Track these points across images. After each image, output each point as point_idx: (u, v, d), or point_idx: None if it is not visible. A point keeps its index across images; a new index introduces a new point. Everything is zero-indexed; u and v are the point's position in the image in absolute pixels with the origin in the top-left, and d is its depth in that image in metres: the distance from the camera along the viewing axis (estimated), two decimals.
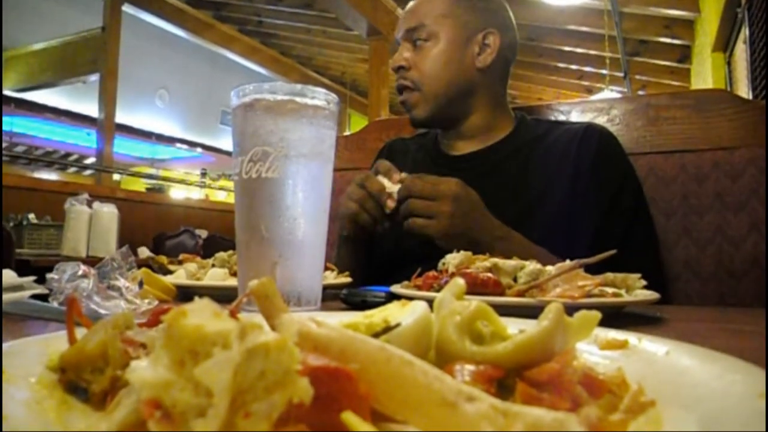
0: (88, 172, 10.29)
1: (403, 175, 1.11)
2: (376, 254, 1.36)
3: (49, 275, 0.72)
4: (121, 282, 0.75)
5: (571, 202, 1.18)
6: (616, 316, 0.72)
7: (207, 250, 4.52)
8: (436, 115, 1.30)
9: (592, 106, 1.50)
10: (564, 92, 8.89)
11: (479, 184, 1.21)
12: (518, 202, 1.21)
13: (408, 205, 1.04)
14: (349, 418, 0.22)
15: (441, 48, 1.26)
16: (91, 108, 7.49)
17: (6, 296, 0.59)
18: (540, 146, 1.27)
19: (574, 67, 7.66)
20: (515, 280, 0.77)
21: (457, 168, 1.31)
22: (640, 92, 7.65)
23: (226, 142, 10.79)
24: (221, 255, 1.07)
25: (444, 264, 0.84)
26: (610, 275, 0.77)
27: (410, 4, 1.34)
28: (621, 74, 7.03)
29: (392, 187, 1.10)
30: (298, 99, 0.74)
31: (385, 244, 1.34)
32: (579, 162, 1.21)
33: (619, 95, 7.26)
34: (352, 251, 1.28)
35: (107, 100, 6.68)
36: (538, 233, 1.09)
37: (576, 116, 1.50)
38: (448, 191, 1.03)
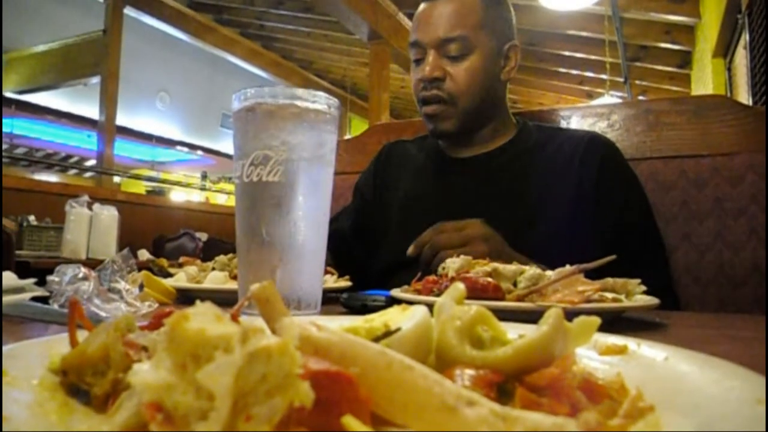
0: (88, 174, 10.27)
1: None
2: (376, 258, 1.36)
3: (49, 277, 0.72)
4: (122, 285, 0.75)
5: (574, 213, 1.17)
6: (615, 322, 0.72)
7: (207, 253, 4.51)
8: (462, 129, 1.26)
9: (592, 111, 1.50)
10: (564, 97, 8.90)
11: (482, 188, 1.21)
12: (520, 207, 1.20)
13: (441, 258, 0.94)
14: (350, 421, 0.22)
15: (479, 61, 1.21)
16: (91, 110, 7.50)
17: (6, 298, 0.59)
18: (542, 152, 1.27)
19: (574, 72, 7.67)
20: (515, 284, 0.77)
21: (460, 171, 1.31)
22: (641, 97, 7.66)
23: (226, 145, 10.80)
24: (221, 258, 1.07)
25: (444, 268, 0.84)
26: (609, 280, 0.77)
27: (439, 9, 1.22)
28: (621, 79, 7.05)
29: None
30: (299, 103, 0.74)
31: (386, 248, 1.33)
32: (582, 172, 1.20)
33: (619, 100, 7.27)
34: None
35: (108, 103, 6.69)
36: (539, 242, 1.08)
37: (576, 121, 1.50)
38: (478, 233, 0.99)
